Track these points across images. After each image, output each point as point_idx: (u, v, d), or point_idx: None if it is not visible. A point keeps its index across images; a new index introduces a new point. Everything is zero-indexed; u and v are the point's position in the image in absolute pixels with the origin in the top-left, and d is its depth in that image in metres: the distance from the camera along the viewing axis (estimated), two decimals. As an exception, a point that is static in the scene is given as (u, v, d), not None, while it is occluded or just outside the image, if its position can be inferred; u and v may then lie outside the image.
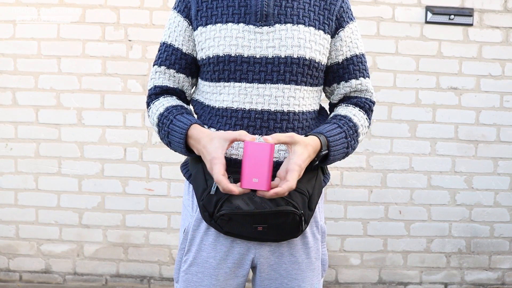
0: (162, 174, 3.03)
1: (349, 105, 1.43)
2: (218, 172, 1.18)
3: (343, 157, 1.37)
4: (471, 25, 3.02)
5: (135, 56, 2.97)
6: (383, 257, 3.13)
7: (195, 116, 1.42)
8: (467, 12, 3.00)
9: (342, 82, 1.43)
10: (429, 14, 3.00)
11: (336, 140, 1.31)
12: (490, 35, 3.04)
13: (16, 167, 3.01)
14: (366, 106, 1.43)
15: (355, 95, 1.44)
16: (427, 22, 3.01)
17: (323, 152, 1.28)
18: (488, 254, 3.16)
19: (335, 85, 1.44)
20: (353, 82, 1.42)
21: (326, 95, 1.52)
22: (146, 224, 3.05)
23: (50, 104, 2.99)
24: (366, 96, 1.44)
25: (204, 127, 1.33)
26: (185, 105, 1.41)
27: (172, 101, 1.39)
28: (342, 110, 1.42)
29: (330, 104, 1.52)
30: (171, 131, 1.33)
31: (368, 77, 1.45)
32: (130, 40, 2.98)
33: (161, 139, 1.38)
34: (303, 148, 1.22)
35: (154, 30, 2.95)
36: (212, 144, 1.22)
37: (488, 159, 3.10)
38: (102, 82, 2.99)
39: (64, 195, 3.03)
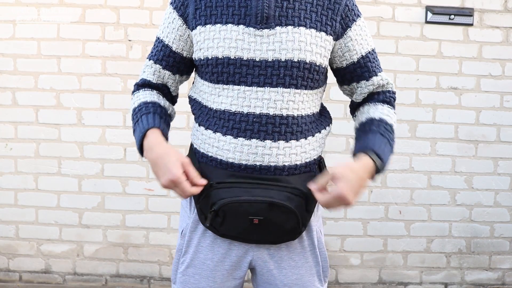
0: (162, 174, 3.02)
1: (377, 103, 1.43)
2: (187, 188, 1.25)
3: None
4: (471, 25, 3.02)
5: (135, 56, 2.97)
6: (383, 257, 3.13)
7: (193, 115, 1.41)
8: (467, 12, 3.00)
9: (363, 81, 1.41)
10: (429, 14, 3.00)
11: (385, 153, 1.32)
12: (490, 35, 3.04)
13: (16, 167, 3.01)
14: (392, 101, 1.45)
15: (379, 90, 1.44)
16: (427, 22, 3.01)
17: (379, 166, 1.30)
18: (488, 254, 3.16)
19: (354, 84, 1.43)
20: (375, 79, 1.41)
21: (344, 93, 1.50)
22: (146, 224, 3.05)
23: (50, 104, 2.99)
24: (388, 89, 1.45)
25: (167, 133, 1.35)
26: (159, 102, 1.39)
27: (148, 96, 1.39)
28: (373, 111, 1.41)
29: (352, 102, 1.49)
30: (136, 130, 1.34)
31: (382, 69, 1.45)
32: (130, 40, 2.98)
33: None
34: (352, 175, 1.24)
35: (154, 30, 2.95)
36: (167, 159, 1.26)
37: (488, 159, 3.10)
38: (102, 82, 2.99)
39: (64, 195, 3.03)
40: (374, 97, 1.44)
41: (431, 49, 3.03)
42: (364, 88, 1.42)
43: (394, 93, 1.46)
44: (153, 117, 1.33)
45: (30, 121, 3.00)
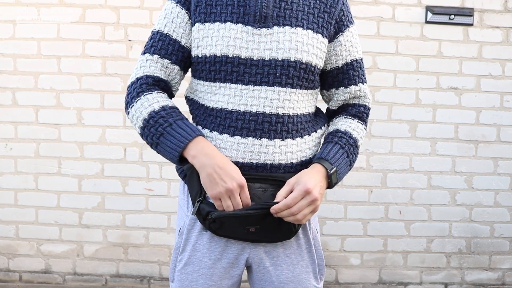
0: (162, 174, 3.03)
1: (348, 117, 1.44)
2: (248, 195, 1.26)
3: (346, 174, 1.40)
4: (471, 25, 3.02)
5: (135, 56, 2.97)
6: (383, 257, 3.13)
7: (191, 116, 1.42)
8: (467, 12, 3.00)
9: (342, 88, 1.43)
10: (429, 14, 3.00)
11: (340, 163, 1.34)
12: (490, 35, 3.04)
13: (16, 167, 3.01)
14: (364, 116, 1.45)
15: (354, 102, 1.45)
16: (427, 22, 3.01)
17: (331, 171, 1.31)
18: (488, 254, 3.16)
19: (333, 90, 1.45)
20: (353, 88, 1.43)
21: (323, 99, 1.52)
22: (146, 224, 3.05)
23: (50, 104, 2.99)
24: (364, 103, 1.45)
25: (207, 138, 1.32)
26: (178, 108, 1.36)
27: (167, 100, 1.34)
28: (341, 124, 1.42)
29: (328, 109, 1.51)
30: (166, 134, 1.27)
31: (366, 82, 1.46)
32: (130, 40, 2.98)
33: (144, 135, 1.31)
34: (307, 175, 1.28)
35: (154, 30, 2.95)
36: (232, 166, 1.26)
37: (488, 159, 3.10)
38: (102, 82, 2.99)
39: (64, 195, 3.03)
40: (348, 109, 1.46)
41: (431, 49, 3.03)
42: (341, 95, 1.44)
43: (368, 109, 1.47)
44: (193, 125, 1.31)
45: (30, 121, 3.00)
